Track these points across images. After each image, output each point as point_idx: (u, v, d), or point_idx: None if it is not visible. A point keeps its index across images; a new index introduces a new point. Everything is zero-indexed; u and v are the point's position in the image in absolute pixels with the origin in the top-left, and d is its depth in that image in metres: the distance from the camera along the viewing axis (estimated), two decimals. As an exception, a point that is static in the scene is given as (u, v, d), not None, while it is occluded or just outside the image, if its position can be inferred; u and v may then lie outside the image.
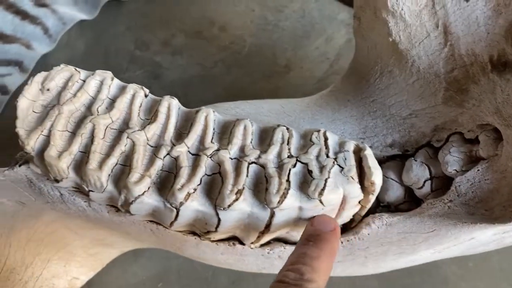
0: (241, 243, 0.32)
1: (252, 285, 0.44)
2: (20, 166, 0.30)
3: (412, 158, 0.32)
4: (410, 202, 0.32)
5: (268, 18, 0.60)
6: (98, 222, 0.33)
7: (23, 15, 0.61)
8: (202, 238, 0.32)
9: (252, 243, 0.31)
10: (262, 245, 0.32)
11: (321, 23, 0.59)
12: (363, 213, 0.30)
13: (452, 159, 0.30)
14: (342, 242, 0.31)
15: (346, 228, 0.32)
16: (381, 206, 0.32)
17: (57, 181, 0.28)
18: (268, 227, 0.29)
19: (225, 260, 0.34)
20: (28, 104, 0.28)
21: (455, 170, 0.30)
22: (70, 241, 0.39)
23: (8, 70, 0.59)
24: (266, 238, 0.30)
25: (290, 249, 0.31)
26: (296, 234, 0.31)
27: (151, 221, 0.31)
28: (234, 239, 0.32)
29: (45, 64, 0.60)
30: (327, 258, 0.25)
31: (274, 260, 0.33)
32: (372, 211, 0.31)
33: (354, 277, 0.43)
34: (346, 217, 0.30)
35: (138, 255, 0.45)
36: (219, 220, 0.28)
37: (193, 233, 0.32)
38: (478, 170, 0.29)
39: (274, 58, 0.58)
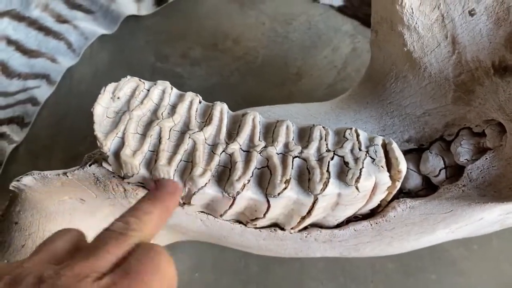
0: (282, 229, 0.36)
1: (279, 271, 0.49)
2: (90, 166, 0.34)
3: (428, 151, 0.37)
4: (427, 189, 0.37)
5: (278, 31, 0.65)
6: (151, 215, 0.37)
7: (46, 31, 0.65)
8: (248, 226, 0.36)
9: (292, 228, 0.36)
10: (300, 230, 0.37)
11: (327, 34, 0.65)
12: (389, 198, 0.35)
13: (463, 150, 0.35)
14: (371, 225, 0.36)
15: (374, 213, 0.36)
16: (403, 193, 0.37)
17: (127, 177, 0.33)
18: (310, 212, 0.33)
19: (266, 246, 0.38)
20: (102, 111, 0.32)
21: (466, 159, 0.35)
22: (119, 235, 0.42)
23: (37, 83, 0.62)
24: (306, 222, 0.35)
25: (325, 232, 0.36)
26: (331, 219, 0.35)
27: (202, 212, 0.36)
28: (275, 226, 0.37)
29: (70, 76, 0.64)
30: (158, 215, 0.26)
31: (311, 243, 0.37)
32: (395, 197, 0.36)
33: (374, 260, 0.47)
34: (375, 202, 0.34)
35: (174, 249, 0.49)
36: (268, 206, 0.33)
37: (239, 222, 0.37)
38: (486, 158, 0.34)
39: (286, 67, 0.63)
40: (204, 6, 0.68)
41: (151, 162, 0.32)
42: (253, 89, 0.61)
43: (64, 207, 0.39)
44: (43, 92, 0.62)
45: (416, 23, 0.36)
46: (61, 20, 0.66)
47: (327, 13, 0.67)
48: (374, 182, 0.32)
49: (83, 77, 0.63)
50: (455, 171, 0.36)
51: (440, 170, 0.36)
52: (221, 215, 0.35)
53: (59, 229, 0.40)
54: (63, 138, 0.58)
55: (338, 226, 0.37)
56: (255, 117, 0.34)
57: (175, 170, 0.32)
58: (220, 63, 0.63)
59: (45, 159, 0.56)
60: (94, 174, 0.35)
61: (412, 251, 0.41)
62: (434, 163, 0.36)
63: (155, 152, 0.32)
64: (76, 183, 0.36)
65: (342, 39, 0.64)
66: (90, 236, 0.41)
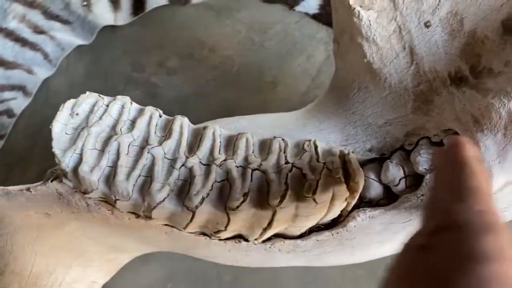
0: (246, 240, 0.37)
1: (252, 280, 0.49)
2: (52, 181, 0.34)
3: (389, 160, 0.37)
4: (388, 198, 0.37)
5: (254, 39, 0.66)
6: (118, 228, 0.38)
7: (23, 42, 0.65)
8: (212, 238, 0.37)
9: (255, 239, 0.36)
10: (264, 241, 0.37)
11: (302, 42, 0.65)
12: (349, 208, 0.35)
13: (422, 160, 0.36)
14: (332, 234, 0.36)
15: (335, 223, 0.37)
16: (364, 202, 0.37)
17: (87, 192, 0.33)
18: (270, 223, 0.34)
19: (232, 256, 0.39)
20: (61, 128, 0.32)
21: (425, 168, 0.35)
22: (88, 248, 0.43)
23: (13, 94, 0.63)
24: (268, 233, 0.35)
25: (288, 242, 0.36)
26: (294, 230, 0.36)
27: (166, 225, 0.36)
28: (239, 237, 0.37)
29: (47, 88, 0.64)
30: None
31: (275, 254, 0.38)
32: (356, 207, 0.36)
33: (344, 267, 0.48)
34: (335, 212, 0.35)
35: (147, 260, 0.49)
36: (228, 219, 0.33)
37: (204, 234, 0.37)
38: (443, 167, 0.35)
39: (261, 75, 0.63)
40: (181, 16, 0.68)
41: (110, 177, 0.32)
42: (229, 98, 0.62)
43: (31, 221, 0.39)
44: (19, 103, 0.62)
45: (374, 35, 0.36)
46: (38, 31, 0.67)
47: (303, 21, 0.67)
48: (331, 194, 0.33)
49: (60, 88, 0.64)
50: (414, 181, 0.36)
51: (400, 180, 0.36)
52: (184, 228, 0.35)
53: (28, 243, 0.40)
54: (39, 150, 0.58)
55: (301, 236, 0.37)
56: (215, 131, 0.35)
57: (134, 185, 0.32)
58: (196, 72, 0.64)
59: (21, 171, 0.56)
60: (56, 189, 0.35)
61: (383, 257, 0.41)
62: (394, 172, 0.36)
63: (113, 168, 0.32)
64: (40, 198, 0.36)
65: (316, 47, 0.65)
66: (55, 250, 0.42)
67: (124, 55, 0.66)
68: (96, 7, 0.67)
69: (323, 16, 0.67)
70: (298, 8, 0.68)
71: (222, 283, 0.49)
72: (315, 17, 0.68)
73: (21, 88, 0.63)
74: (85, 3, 0.67)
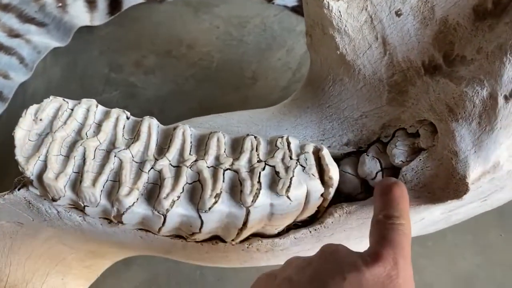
0: (223, 241, 0.36)
1: (235, 280, 0.48)
2: (19, 189, 0.33)
3: (365, 154, 0.37)
4: (366, 192, 0.36)
5: (232, 34, 0.65)
6: (92, 234, 0.37)
7: (-2, 46, 0.64)
8: (188, 240, 0.36)
9: (232, 240, 0.35)
10: (241, 241, 0.36)
11: (282, 36, 0.64)
12: (326, 204, 0.35)
13: (398, 152, 0.35)
14: (310, 232, 0.35)
15: (313, 219, 0.36)
16: (341, 197, 0.37)
17: (55, 200, 0.32)
18: (245, 224, 0.33)
19: (210, 258, 0.38)
20: (24, 134, 0.31)
21: (401, 161, 0.35)
22: (66, 255, 0.42)
23: (-12, 100, 0.61)
24: (245, 234, 0.34)
25: (266, 241, 0.36)
26: (271, 228, 0.35)
27: (141, 229, 0.35)
28: (216, 238, 0.36)
29: (23, 92, 0.63)
30: None
31: (253, 253, 0.37)
32: (334, 202, 0.36)
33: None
34: (311, 209, 0.34)
35: (129, 264, 0.48)
36: (202, 222, 0.32)
37: (180, 237, 0.36)
38: (420, 159, 0.34)
39: (241, 71, 0.62)
40: (158, 13, 0.67)
41: (76, 183, 0.31)
42: (209, 94, 0.61)
43: (3, 231, 0.38)
44: (-5, 109, 0.61)
45: (345, 26, 0.35)
46: (13, 34, 0.65)
47: (281, 14, 0.66)
48: (305, 190, 0.32)
49: (37, 92, 0.62)
50: (391, 174, 0.35)
51: (377, 173, 0.35)
52: (158, 232, 0.34)
53: (1, 253, 0.39)
54: (17, 155, 0.57)
55: (279, 234, 0.36)
56: (185, 131, 0.34)
57: (101, 190, 0.31)
58: (174, 70, 0.63)
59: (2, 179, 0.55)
60: (25, 198, 0.34)
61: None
62: (370, 166, 0.36)
63: (79, 173, 0.31)
64: (10, 207, 0.35)
65: (296, 40, 0.64)
66: (31, 259, 0.41)
67: (101, 56, 0.64)
68: (71, 8, 0.66)
69: (302, 8, 0.66)
70: (277, 1, 0.67)
71: (206, 283, 0.48)
72: (294, 9, 0.67)
73: (-3, 94, 0.62)
74: (60, 4, 0.65)
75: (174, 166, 0.33)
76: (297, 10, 0.66)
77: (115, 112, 0.33)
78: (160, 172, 0.32)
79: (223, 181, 0.32)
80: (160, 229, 0.33)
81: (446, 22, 0.33)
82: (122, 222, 0.33)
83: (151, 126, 0.34)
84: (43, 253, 0.41)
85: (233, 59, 0.63)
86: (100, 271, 0.46)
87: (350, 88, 0.38)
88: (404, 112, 0.36)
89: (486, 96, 0.30)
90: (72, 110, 0.33)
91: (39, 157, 0.31)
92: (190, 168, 0.32)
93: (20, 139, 0.31)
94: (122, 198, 0.30)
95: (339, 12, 0.35)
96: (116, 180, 0.31)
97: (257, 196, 0.31)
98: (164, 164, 0.32)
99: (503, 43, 0.30)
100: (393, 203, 0.29)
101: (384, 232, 0.28)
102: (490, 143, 0.31)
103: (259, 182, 0.32)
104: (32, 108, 0.32)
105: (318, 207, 0.35)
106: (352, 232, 0.35)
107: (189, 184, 0.32)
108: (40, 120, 0.32)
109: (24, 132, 0.31)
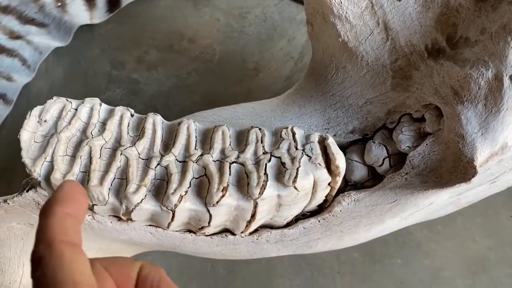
0: (232, 234, 0.36)
1: (246, 271, 0.49)
2: (27, 191, 0.34)
3: (371, 141, 0.36)
4: (373, 179, 0.36)
5: (233, 26, 0.65)
6: (102, 232, 0.37)
7: (0, 49, 0.64)
8: (198, 234, 0.36)
9: (242, 232, 0.35)
10: (251, 233, 0.36)
11: (282, 25, 0.64)
12: (334, 193, 0.35)
13: (404, 138, 0.35)
14: (319, 221, 0.35)
15: (321, 208, 0.36)
16: (349, 186, 0.37)
17: (63, 200, 0.32)
18: (253, 216, 0.33)
19: (220, 251, 0.38)
20: (29, 136, 0.31)
21: (407, 146, 0.34)
22: (77, 254, 0.42)
23: (-7, 104, 0.62)
24: (253, 226, 0.34)
25: (275, 232, 0.36)
26: (279, 219, 0.35)
27: (150, 225, 0.35)
28: (226, 231, 0.36)
29: (27, 93, 0.63)
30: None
31: (263, 245, 0.37)
32: (342, 190, 0.36)
33: (338, 251, 0.47)
34: (319, 198, 0.34)
35: (140, 259, 0.49)
36: (210, 215, 0.32)
37: (189, 231, 0.36)
38: (427, 144, 0.34)
39: (243, 63, 0.62)
40: (157, 8, 0.67)
41: (84, 183, 0.31)
42: (212, 88, 0.61)
43: (15, 232, 0.39)
44: (0, 112, 0.61)
45: (346, 13, 0.35)
46: (14, 36, 0.65)
47: (282, 3, 0.66)
48: (312, 180, 0.32)
49: (40, 93, 0.63)
50: (398, 159, 0.35)
51: (384, 159, 0.35)
52: (167, 227, 0.34)
53: (14, 255, 0.40)
54: (25, 157, 0.57)
55: (288, 225, 0.36)
56: (190, 126, 0.34)
57: (109, 189, 0.31)
58: (176, 65, 0.62)
59: (5, 182, 0.55)
60: (34, 199, 0.34)
61: (377, 238, 0.41)
62: (377, 152, 0.36)
63: (86, 173, 0.31)
64: (20, 209, 0.36)
65: (297, 29, 0.63)
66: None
67: (102, 54, 0.64)
68: (71, 7, 0.65)
69: (302, -3, 0.66)
70: (276, -10, 0.67)
71: (217, 276, 0.49)
72: (293, -2, 0.66)
73: (1, 97, 0.62)
74: (59, 3, 0.65)
75: (180, 162, 0.33)
76: (297, -2, 0.66)
77: (119, 110, 0.33)
78: (166, 168, 0.32)
79: (230, 174, 0.32)
80: (169, 224, 0.33)
81: (448, 3, 0.33)
82: (131, 219, 0.33)
83: (156, 122, 0.34)
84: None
85: (235, 51, 0.63)
86: (112, 268, 0.46)
87: (353, 75, 0.38)
88: (409, 97, 0.36)
89: (491, 78, 0.30)
90: (76, 110, 0.33)
91: (45, 158, 0.31)
92: (196, 162, 0.32)
93: (26, 141, 0.31)
94: (130, 196, 0.30)
95: (339, -2, 0.34)
96: (124, 178, 0.31)
97: (264, 188, 0.31)
98: (170, 159, 0.32)
99: (507, 23, 0.29)
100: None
101: None
102: (497, 124, 0.30)
103: (265, 174, 0.32)
104: (36, 110, 0.32)
105: (326, 196, 0.35)
106: (361, 219, 0.35)
107: (196, 178, 0.32)
108: (45, 121, 0.32)
109: (30, 134, 0.32)
